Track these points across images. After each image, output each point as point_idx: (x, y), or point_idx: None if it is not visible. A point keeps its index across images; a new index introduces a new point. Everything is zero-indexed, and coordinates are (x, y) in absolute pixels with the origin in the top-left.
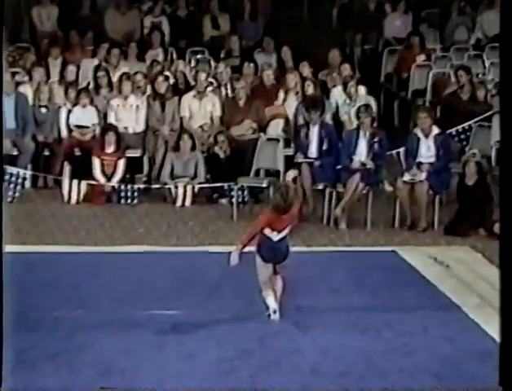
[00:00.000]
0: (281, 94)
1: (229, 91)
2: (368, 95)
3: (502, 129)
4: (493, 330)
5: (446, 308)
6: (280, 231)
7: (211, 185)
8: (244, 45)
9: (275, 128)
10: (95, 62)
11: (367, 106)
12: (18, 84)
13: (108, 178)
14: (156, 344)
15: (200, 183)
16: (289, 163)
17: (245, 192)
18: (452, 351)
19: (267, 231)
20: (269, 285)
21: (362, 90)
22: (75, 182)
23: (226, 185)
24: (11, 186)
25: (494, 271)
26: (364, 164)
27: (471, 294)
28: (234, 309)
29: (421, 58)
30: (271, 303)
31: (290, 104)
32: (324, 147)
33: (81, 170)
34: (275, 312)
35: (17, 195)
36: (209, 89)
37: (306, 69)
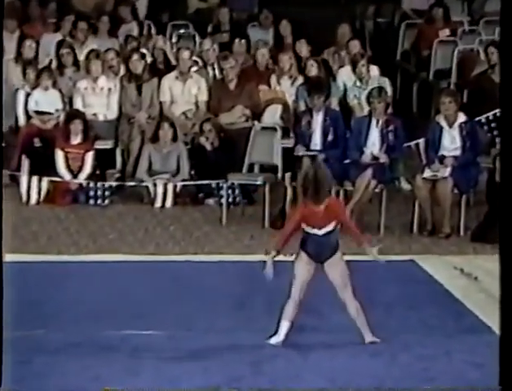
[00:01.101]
0: (273, 78)
1: (217, 72)
2: (381, 77)
3: (502, 128)
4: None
5: (473, 328)
6: (321, 228)
7: (196, 182)
8: (235, 18)
9: (272, 115)
10: (58, 37)
11: (380, 89)
12: None
13: (74, 175)
14: (130, 370)
15: (184, 181)
16: (288, 156)
17: (236, 191)
18: (481, 380)
19: (308, 229)
20: (297, 301)
21: (374, 70)
22: (35, 178)
23: (213, 182)
24: None
25: None
26: (376, 158)
27: None
28: (223, 329)
29: (444, 32)
30: (282, 331)
31: (285, 89)
32: (330, 137)
33: (42, 165)
34: (277, 343)
35: None
36: (194, 69)
37: (304, 48)
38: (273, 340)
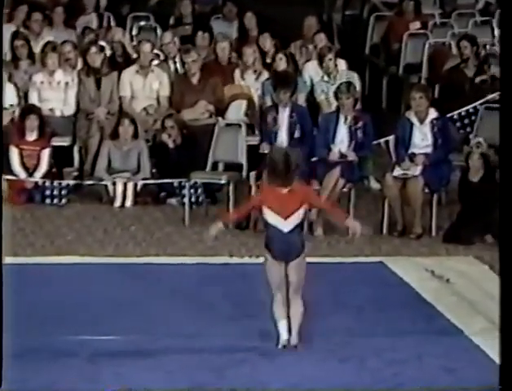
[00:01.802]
0: (237, 73)
1: (178, 66)
2: (350, 71)
3: (502, 127)
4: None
5: (445, 332)
6: (287, 217)
7: (158, 181)
8: (198, 10)
9: (236, 111)
10: (12, 28)
11: (348, 84)
12: None
13: (30, 173)
14: (88, 376)
15: (145, 179)
16: (254, 154)
17: (200, 190)
18: (452, 384)
19: (272, 219)
20: (281, 299)
21: (342, 64)
22: None
23: (176, 181)
24: None
25: None
26: (344, 156)
27: (476, 315)
28: (185, 334)
29: (415, 25)
30: (283, 330)
31: (249, 84)
32: (296, 134)
33: None
34: (284, 346)
35: None
36: (155, 63)
37: (267, 42)
38: (281, 344)
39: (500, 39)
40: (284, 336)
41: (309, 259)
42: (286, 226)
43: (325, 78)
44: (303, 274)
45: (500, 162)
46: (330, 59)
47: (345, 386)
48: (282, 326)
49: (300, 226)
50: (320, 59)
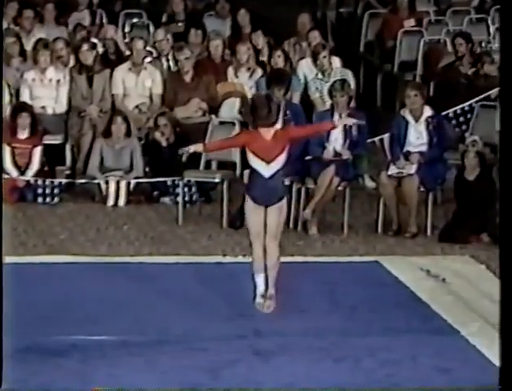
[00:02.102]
0: (230, 71)
1: (171, 63)
2: (344, 69)
3: (502, 126)
4: (498, 359)
5: (441, 332)
6: (269, 162)
7: (151, 180)
8: (190, 7)
9: (230, 109)
10: (3, 25)
11: (343, 82)
12: None
13: (22, 171)
14: (80, 377)
15: (137, 178)
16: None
17: (193, 189)
18: (448, 385)
19: (255, 163)
20: (260, 248)
21: (337, 62)
22: None
23: (169, 180)
24: None
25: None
26: (339, 155)
27: (472, 315)
28: (178, 334)
29: (410, 23)
30: (260, 282)
31: (243, 82)
32: None
33: None
34: (263, 296)
35: None
36: (148, 60)
37: (260, 39)
38: (257, 298)
39: (500, 39)
40: (261, 288)
41: (303, 258)
42: (268, 170)
43: (319, 76)
44: (282, 220)
45: (500, 162)
46: (324, 57)
47: (339, 386)
48: (260, 278)
49: (281, 170)
50: (314, 57)
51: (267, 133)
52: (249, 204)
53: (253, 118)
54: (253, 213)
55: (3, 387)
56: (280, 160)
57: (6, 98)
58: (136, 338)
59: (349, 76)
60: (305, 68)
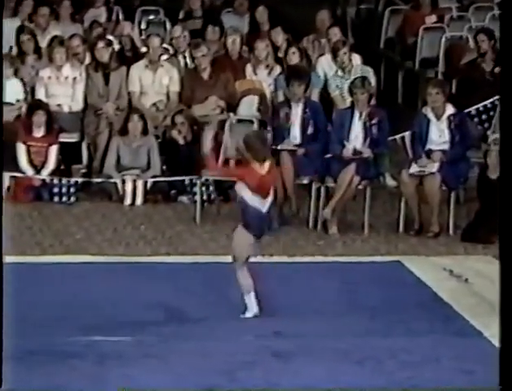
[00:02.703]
0: (249, 68)
1: (188, 61)
2: (364, 66)
3: (502, 127)
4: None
5: (463, 333)
6: (265, 196)
7: (168, 179)
8: (208, 4)
9: (248, 107)
10: (17, 22)
11: (363, 79)
12: None
13: (37, 170)
14: (96, 378)
15: (155, 177)
16: None
17: (211, 188)
18: (471, 387)
19: (252, 200)
20: (247, 271)
21: (357, 59)
22: None
23: (187, 179)
24: None
25: None
26: (359, 153)
27: (495, 316)
28: (195, 335)
29: (431, 19)
30: (253, 303)
31: (262, 79)
32: (310, 130)
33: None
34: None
35: None
36: (164, 57)
37: (280, 36)
38: (248, 314)
39: (500, 39)
40: (254, 308)
41: (323, 258)
42: (265, 205)
43: (339, 73)
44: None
45: (500, 161)
46: (345, 53)
47: (360, 388)
48: (251, 298)
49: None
50: (334, 54)
51: (262, 168)
52: (244, 234)
53: (249, 156)
54: (247, 242)
55: (3, 387)
56: (272, 191)
57: (22, 95)
58: (152, 339)
59: (370, 73)
60: (324, 64)
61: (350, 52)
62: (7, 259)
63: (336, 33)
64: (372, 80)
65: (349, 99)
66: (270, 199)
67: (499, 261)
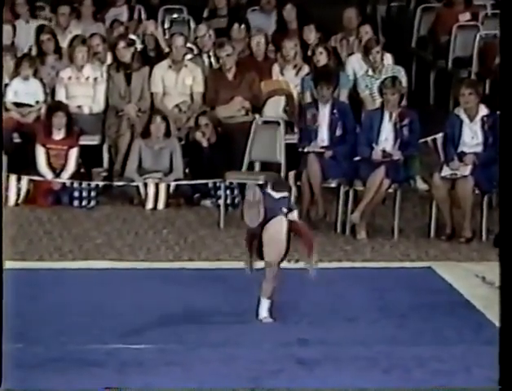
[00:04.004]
0: (276, 68)
1: (213, 60)
2: (396, 65)
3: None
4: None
5: (496, 342)
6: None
7: (191, 182)
8: (233, 2)
9: (275, 108)
10: (38, 22)
11: (394, 79)
12: None
13: (57, 173)
14: (117, 386)
15: (177, 180)
16: (293, 153)
17: (235, 191)
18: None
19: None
20: (272, 275)
21: (388, 58)
22: (13, 177)
23: (210, 182)
24: None
25: None
26: (389, 155)
27: None
28: (218, 342)
29: (465, 17)
30: (264, 309)
31: (289, 80)
32: (338, 132)
33: (21, 162)
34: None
35: None
36: (188, 57)
37: (312, 34)
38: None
39: (500, 38)
40: (263, 313)
41: (351, 264)
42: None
43: (370, 72)
44: None
45: (500, 161)
46: (378, 52)
47: None
48: (264, 304)
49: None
50: (366, 52)
51: None
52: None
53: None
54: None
55: (3, 387)
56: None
57: (41, 97)
58: (174, 346)
59: (401, 73)
60: (355, 64)
61: (382, 51)
62: (26, 264)
63: (367, 31)
64: (404, 80)
65: (379, 100)
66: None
67: (499, 261)
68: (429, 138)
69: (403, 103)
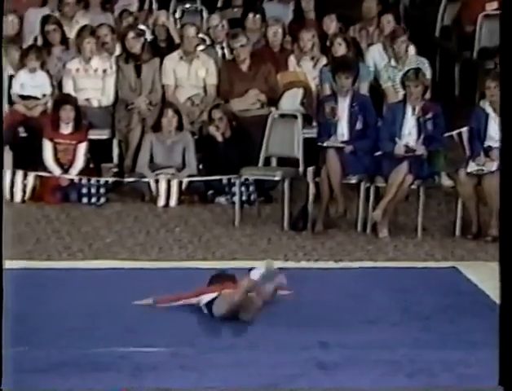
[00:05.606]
0: (292, 59)
1: (226, 51)
2: (420, 57)
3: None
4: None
5: None
6: None
7: (205, 178)
8: None
9: (292, 100)
10: (45, 12)
11: (417, 71)
12: None
13: (65, 169)
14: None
15: (190, 176)
16: (311, 148)
17: (251, 188)
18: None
19: None
20: None
21: (411, 49)
22: (19, 173)
23: (225, 178)
24: None
25: None
26: (412, 150)
27: None
28: (234, 346)
29: (491, 5)
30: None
31: (306, 71)
32: (358, 126)
33: (28, 157)
34: None
35: None
36: (201, 48)
37: (333, 25)
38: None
39: (500, 38)
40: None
41: (372, 263)
42: None
43: (393, 63)
44: None
45: (500, 161)
46: (403, 42)
47: None
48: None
49: None
50: (391, 41)
51: None
52: None
53: None
54: None
55: (3, 387)
56: None
57: (48, 89)
58: (188, 349)
59: (425, 65)
60: (375, 54)
61: (408, 41)
62: (34, 264)
63: (389, 20)
64: (428, 72)
65: (402, 92)
66: None
67: (499, 261)
68: (454, 133)
69: (427, 95)
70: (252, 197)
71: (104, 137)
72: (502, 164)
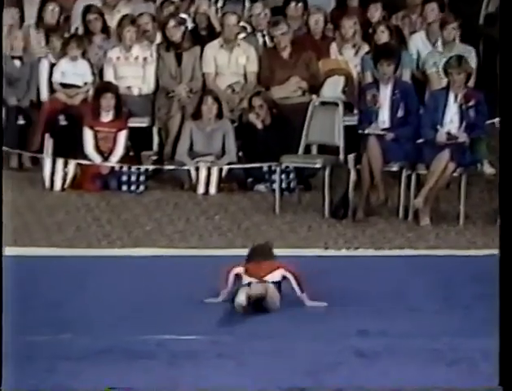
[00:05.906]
0: (334, 47)
1: (267, 39)
2: (466, 45)
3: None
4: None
5: None
6: None
7: (245, 166)
8: None
9: (333, 88)
10: (87, 1)
11: (460, 58)
12: None
13: (105, 157)
14: (168, 379)
15: (230, 164)
16: (352, 136)
17: (291, 176)
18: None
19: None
20: None
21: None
22: (60, 161)
23: (265, 166)
24: None
25: None
26: (454, 138)
27: None
28: (273, 333)
29: None
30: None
31: (348, 59)
32: (400, 113)
33: (68, 145)
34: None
35: None
36: (241, 36)
37: (377, 13)
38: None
39: (500, 38)
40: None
41: (414, 251)
42: None
43: (439, 49)
44: None
45: (500, 161)
46: (453, 29)
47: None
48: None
49: None
50: (441, 28)
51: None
52: None
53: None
54: None
55: (3, 387)
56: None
57: (90, 78)
58: (227, 337)
59: (471, 53)
60: (418, 42)
61: (459, 28)
62: (74, 252)
63: (433, 8)
64: (474, 61)
65: (445, 79)
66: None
67: (499, 260)
68: (496, 120)
69: (470, 83)
70: (292, 185)
71: (144, 125)
72: (502, 164)
